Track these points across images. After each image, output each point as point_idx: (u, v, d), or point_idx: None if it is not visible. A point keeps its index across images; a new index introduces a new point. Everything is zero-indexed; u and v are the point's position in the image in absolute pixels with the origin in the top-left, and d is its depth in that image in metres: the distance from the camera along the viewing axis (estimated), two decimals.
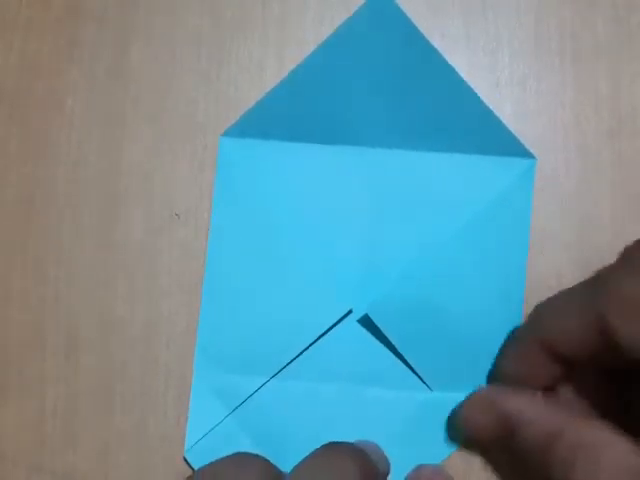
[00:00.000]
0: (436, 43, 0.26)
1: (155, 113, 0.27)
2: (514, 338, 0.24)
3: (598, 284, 0.19)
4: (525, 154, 0.25)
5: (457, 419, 0.24)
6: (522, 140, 0.26)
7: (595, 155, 0.26)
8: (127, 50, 0.27)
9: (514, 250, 0.25)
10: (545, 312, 0.21)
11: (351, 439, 0.25)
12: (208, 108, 0.27)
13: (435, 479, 0.24)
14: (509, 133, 0.25)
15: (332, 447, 0.20)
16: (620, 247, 0.25)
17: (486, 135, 0.25)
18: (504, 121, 0.26)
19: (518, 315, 0.25)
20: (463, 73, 0.26)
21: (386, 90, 0.25)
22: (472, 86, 0.26)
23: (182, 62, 0.27)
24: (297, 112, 0.26)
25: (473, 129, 0.25)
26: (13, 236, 0.27)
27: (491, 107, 0.26)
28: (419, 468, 0.24)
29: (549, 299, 0.22)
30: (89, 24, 0.27)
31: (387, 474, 0.24)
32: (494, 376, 0.24)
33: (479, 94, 0.26)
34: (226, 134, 0.26)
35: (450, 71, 0.25)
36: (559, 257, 0.25)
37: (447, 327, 0.25)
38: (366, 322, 0.25)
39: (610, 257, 0.25)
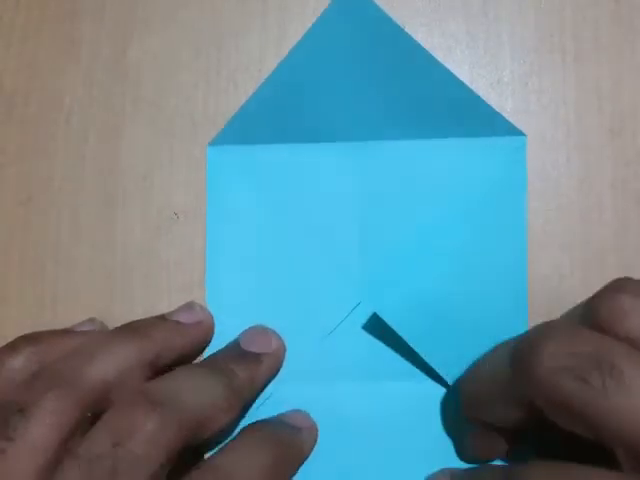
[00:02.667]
0: (437, 41, 0.26)
1: (154, 112, 0.27)
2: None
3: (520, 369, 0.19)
4: (514, 132, 0.25)
5: None
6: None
7: (597, 153, 0.25)
8: (125, 49, 0.27)
9: (513, 230, 0.25)
10: (478, 400, 0.22)
11: (369, 435, 0.24)
12: (207, 107, 0.27)
13: None
14: (495, 113, 0.25)
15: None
16: (622, 247, 0.25)
17: (472, 117, 0.25)
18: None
19: (523, 301, 0.24)
20: (464, 71, 0.26)
21: (366, 82, 0.25)
22: (473, 84, 0.25)
23: (181, 61, 0.27)
24: (280, 113, 0.25)
25: (458, 112, 0.25)
26: (11, 236, 0.26)
27: (492, 105, 0.25)
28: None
29: (473, 382, 0.23)
30: (87, 23, 0.27)
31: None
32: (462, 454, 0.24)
33: (480, 92, 0.25)
34: (213, 143, 0.26)
35: (427, 56, 0.25)
36: (560, 257, 0.25)
37: (454, 317, 0.24)
38: (373, 319, 0.25)
39: (611, 257, 0.25)
